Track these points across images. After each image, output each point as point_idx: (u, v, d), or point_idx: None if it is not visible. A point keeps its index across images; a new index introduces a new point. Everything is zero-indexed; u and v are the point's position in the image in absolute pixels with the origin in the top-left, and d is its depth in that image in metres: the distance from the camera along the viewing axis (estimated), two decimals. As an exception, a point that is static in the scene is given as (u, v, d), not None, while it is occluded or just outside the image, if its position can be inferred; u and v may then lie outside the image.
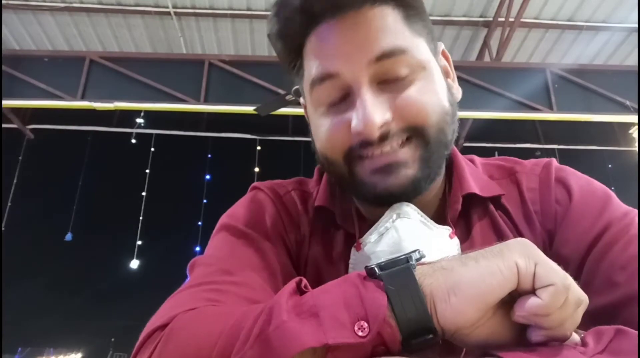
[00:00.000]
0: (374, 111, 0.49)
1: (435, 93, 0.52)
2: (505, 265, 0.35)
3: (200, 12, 5.09)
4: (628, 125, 5.64)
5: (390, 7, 0.51)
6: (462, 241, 0.54)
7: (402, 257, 0.38)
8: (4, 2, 4.79)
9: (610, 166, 6.35)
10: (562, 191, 0.57)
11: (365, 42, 0.50)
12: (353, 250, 0.55)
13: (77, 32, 5.32)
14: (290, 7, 0.52)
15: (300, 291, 0.41)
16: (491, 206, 0.58)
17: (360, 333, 0.35)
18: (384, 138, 0.50)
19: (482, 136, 5.97)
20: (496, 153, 7.02)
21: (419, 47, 0.52)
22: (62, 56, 5.15)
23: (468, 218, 0.57)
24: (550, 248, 0.55)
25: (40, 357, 7.03)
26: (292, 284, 0.40)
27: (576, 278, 0.48)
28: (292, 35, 0.55)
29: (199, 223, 5.78)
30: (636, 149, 5.59)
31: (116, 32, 5.33)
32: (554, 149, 6.26)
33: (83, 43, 5.45)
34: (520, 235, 0.56)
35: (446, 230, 0.53)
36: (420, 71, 0.52)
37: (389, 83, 0.51)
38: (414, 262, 0.37)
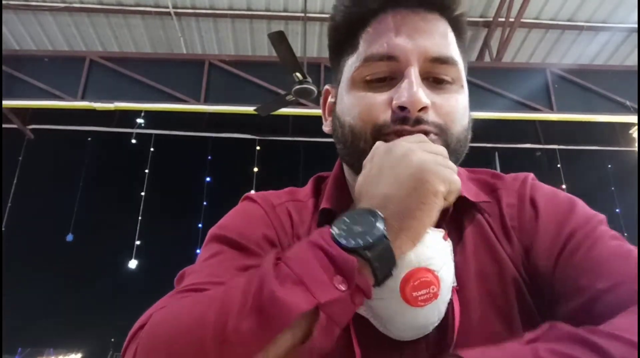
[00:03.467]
0: (420, 91, 0.53)
1: (465, 110, 0.58)
2: (438, 200, 0.47)
3: (200, 12, 5.09)
4: (628, 125, 5.64)
5: (450, 28, 0.58)
6: (455, 244, 0.56)
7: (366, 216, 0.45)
8: (4, 2, 4.79)
9: (610, 166, 6.35)
10: (531, 207, 0.61)
11: (431, 37, 0.56)
12: None
13: (77, 32, 5.32)
14: None
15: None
16: (479, 216, 0.61)
17: (342, 288, 0.41)
18: (418, 121, 0.54)
19: (482, 136, 5.97)
20: (496, 153, 7.03)
21: (462, 68, 0.59)
22: (62, 56, 5.15)
23: (460, 223, 0.60)
24: (528, 263, 0.58)
25: (40, 357, 7.03)
26: (272, 257, 0.44)
27: (552, 287, 0.54)
28: (363, 13, 0.58)
29: (199, 225, 5.79)
30: (636, 149, 5.59)
31: (116, 32, 5.33)
32: (554, 149, 6.26)
33: (83, 43, 5.45)
34: (504, 248, 0.59)
35: (440, 232, 0.55)
36: (459, 88, 0.58)
37: (432, 83, 0.56)
38: (383, 230, 0.44)
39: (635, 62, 5.31)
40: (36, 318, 5.97)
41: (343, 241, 0.43)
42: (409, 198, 0.46)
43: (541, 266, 0.55)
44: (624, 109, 4.99)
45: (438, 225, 0.55)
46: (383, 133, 0.54)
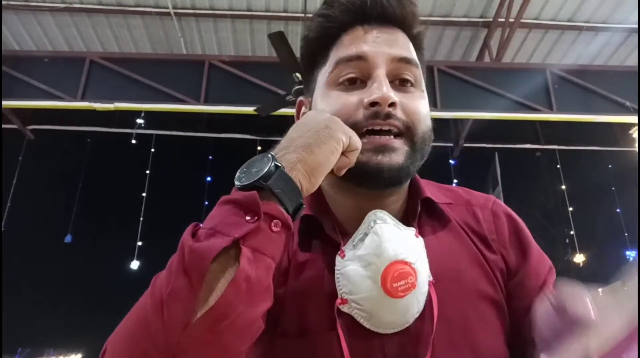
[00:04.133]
0: (389, 89, 0.59)
1: (427, 113, 0.65)
2: (337, 143, 0.52)
3: (200, 12, 5.09)
4: (628, 125, 5.64)
5: (410, 43, 0.66)
6: (429, 245, 0.62)
7: (265, 162, 0.49)
8: (4, 2, 4.79)
9: (610, 166, 6.35)
10: (514, 230, 0.68)
11: (394, 45, 0.63)
12: (338, 258, 0.59)
13: (77, 33, 5.32)
14: (338, 2, 0.64)
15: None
16: (453, 222, 0.67)
17: (253, 220, 0.45)
18: (388, 116, 0.59)
19: (482, 136, 5.98)
20: (496, 153, 7.02)
21: (422, 75, 0.66)
22: (62, 57, 5.15)
23: (433, 225, 0.66)
24: (507, 271, 0.64)
25: (40, 357, 7.03)
26: (189, 229, 0.48)
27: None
28: (336, 28, 0.64)
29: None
30: (636, 149, 5.60)
31: (116, 32, 5.33)
32: (554, 149, 6.26)
33: (83, 43, 5.45)
34: (480, 251, 0.65)
35: (412, 231, 0.61)
36: (420, 91, 0.65)
37: (398, 85, 0.62)
38: (274, 162, 0.48)
39: (635, 63, 5.31)
40: (36, 318, 5.97)
41: (244, 182, 0.48)
42: (311, 138, 0.52)
43: (525, 291, 0.63)
44: (624, 109, 5.00)
45: (409, 224, 0.62)
46: (357, 130, 0.58)
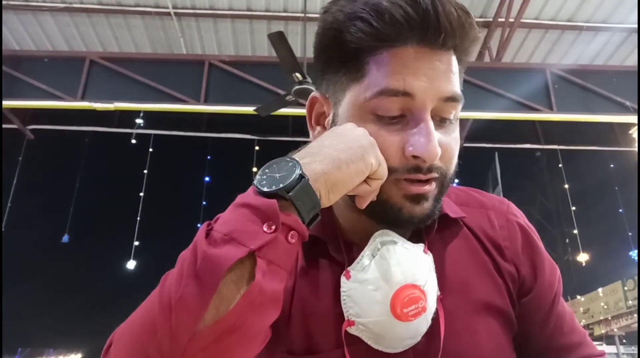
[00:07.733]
0: (436, 143, 0.53)
1: (458, 144, 0.59)
2: (365, 167, 0.50)
3: (200, 12, 5.09)
4: (628, 125, 5.64)
5: (458, 62, 0.59)
6: (438, 258, 0.60)
7: (290, 172, 0.47)
8: (4, 2, 4.79)
9: (612, 166, 6.35)
10: (526, 239, 0.67)
11: (445, 79, 0.55)
12: (343, 278, 0.57)
13: (77, 33, 5.32)
14: (389, 14, 0.52)
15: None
16: (465, 229, 0.65)
17: (269, 231, 0.43)
18: (430, 169, 0.55)
19: (482, 136, 5.98)
20: (496, 153, 7.01)
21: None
22: (62, 57, 5.15)
23: (443, 236, 0.63)
24: (519, 280, 0.64)
25: (40, 357, 7.04)
26: (203, 228, 0.46)
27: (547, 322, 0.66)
28: (381, 40, 0.54)
29: (198, 225, 5.78)
30: (636, 149, 5.59)
31: (116, 32, 5.33)
32: (554, 149, 6.26)
33: (83, 43, 5.45)
34: (493, 259, 0.64)
35: (420, 247, 0.58)
36: (456, 122, 0.59)
37: (438, 121, 0.56)
38: (300, 171, 0.46)
39: (635, 62, 5.31)
40: (36, 318, 5.98)
41: (265, 189, 0.46)
42: (342, 152, 0.49)
43: (534, 308, 0.64)
44: (624, 109, 4.99)
45: (419, 240, 0.60)
46: (394, 177, 0.54)
